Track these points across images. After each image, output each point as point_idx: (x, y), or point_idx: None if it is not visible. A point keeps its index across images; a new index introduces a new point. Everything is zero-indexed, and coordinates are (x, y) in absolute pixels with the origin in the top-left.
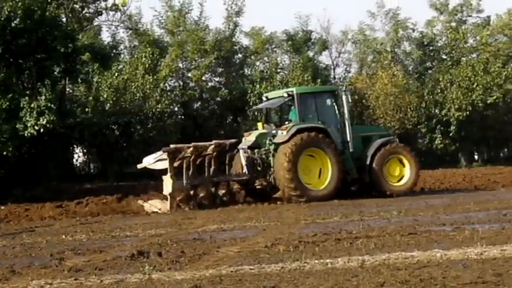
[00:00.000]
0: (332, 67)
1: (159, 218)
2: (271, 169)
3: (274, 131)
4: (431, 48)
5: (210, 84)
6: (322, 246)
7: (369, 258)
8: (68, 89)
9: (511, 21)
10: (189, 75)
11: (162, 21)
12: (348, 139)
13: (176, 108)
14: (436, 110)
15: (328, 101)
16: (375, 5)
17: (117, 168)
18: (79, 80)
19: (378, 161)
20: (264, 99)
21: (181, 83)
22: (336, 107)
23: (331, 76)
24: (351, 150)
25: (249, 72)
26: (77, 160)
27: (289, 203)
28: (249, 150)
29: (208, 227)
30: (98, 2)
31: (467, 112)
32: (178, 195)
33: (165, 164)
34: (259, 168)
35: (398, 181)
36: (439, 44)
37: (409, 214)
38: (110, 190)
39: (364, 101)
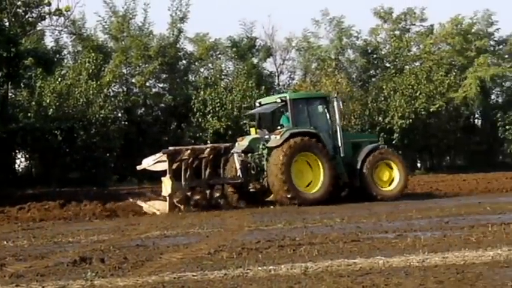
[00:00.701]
0: (276, 74)
1: (101, 224)
2: (265, 173)
3: (267, 136)
4: (375, 56)
5: (154, 90)
6: (266, 253)
7: (312, 265)
8: (10, 94)
9: (454, 30)
10: (133, 81)
11: (106, 26)
12: (339, 144)
13: (120, 114)
14: (380, 118)
15: (320, 107)
16: (319, 12)
17: (59, 173)
18: (22, 84)
19: (367, 166)
20: (257, 104)
21: (125, 89)
22: (327, 113)
23: (276, 83)
24: (342, 155)
25: (193, 79)
26: (19, 165)
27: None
28: (243, 154)
29: (151, 233)
30: (42, 7)
31: (410, 120)
32: (176, 197)
33: (164, 166)
34: (252, 172)
35: (388, 186)
36: (383, 52)
37: (352, 221)
38: (53, 196)
39: None
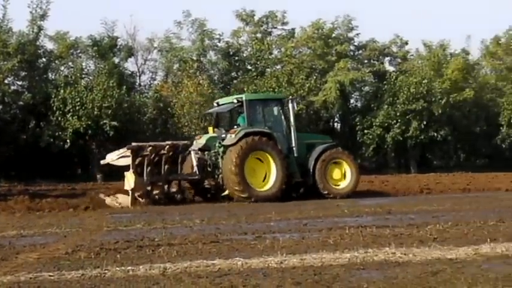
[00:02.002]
0: (138, 74)
1: None
2: (220, 170)
3: (223, 135)
4: (236, 58)
5: (12, 88)
6: (124, 254)
7: (170, 266)
8: None
9: (315, 34)
10: None
11: None
12: (293, 144)
13: None
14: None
15: (276, 109)
16: (181, 14)
17: None
18: None
19: (320, 165)
20: (215, 104)
21: None
22: (282, 114)
23: (137, 83)
24: (295, 155)
25: (53, 77)
26: None
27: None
28: (199, 152)
29: (7, 232)
30: None
31: None
32: (138, 191)
33: (127, 161)
34: (209, 169)
35: (340, 184)
36: (245, 55)
37: (211, 222)
38: None
39: (169, 109)
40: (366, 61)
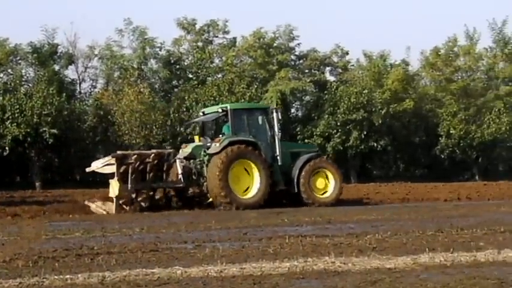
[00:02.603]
0: (78, 82)
1: None
2: (204, 178)
3: (209, 144)
4: (177, 67)
5: None
6: (63, 262)
7: (109, 274)
8: None
9: (256, 43)
10: None
11: None
12: (277, 153)
13: None
14: (181, 128)
15: (260, 118)
16: (123, 21)
17: None
18: None
19: (305, 174)
20: (201, 114)
21: None
22: (266, 124)
23: (77, 91)
24: (279, 163)
25: None
26: None
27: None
28: (185, 160)
29: None
30: None
31: None
32: (123, 198)
33: (112, 169)
34: (193, 177)
35: (324, 193)
36: (186, 63)
37: (151, 231)
38: None
39: (109, 117)
40: (306, 71)
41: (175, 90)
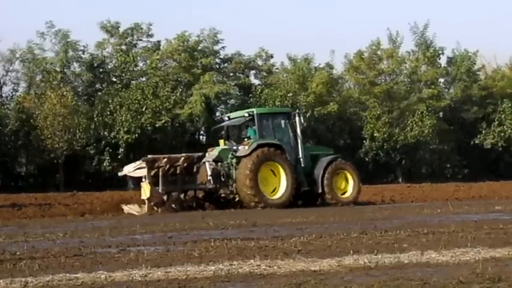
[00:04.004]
0: None
1: None
2: (233, 180)
3: (235, 147)
4: (101, 70)
5: None
6: None
7: (32, 279)
8: None
9: (181, 46)
10: None
11: None
12: (300, 156)
13: None
14: (105, 132)
15: (283, 122)
16: (44, 24)
17: None
18: None
19: (328, 175)
20: (226, 118)
21: None
22: (289, 127)
23: None
24: (302, 165)
25: None
26: None
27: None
28: (213, 163)
29: None
30: None
31: (136, 135)
32: (154, 200)
33: (143, 172)
34: (222, 179)
35: (344, 193)
36: (109, 67)
37: (74, 236)
38: None
39: (32, 121)
40: (231, 74)
41: (99, 93)
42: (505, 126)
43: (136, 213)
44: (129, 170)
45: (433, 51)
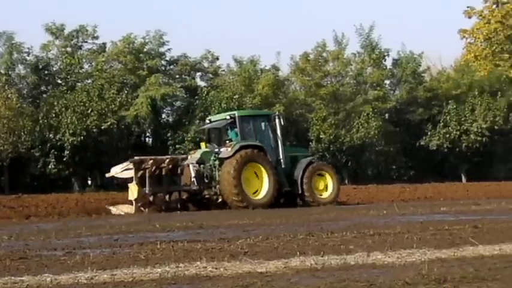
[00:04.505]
0: None
1: None
2: (216, 181)
3: (216, 149)
4: (46, 72)
5: None
6: None
7: None
8: None
9: (126, 48)
10: None
11: None
12: (281, 157)
13: None
14: (51, 135)
15: (263, 124)
16: None
17: None
18: None
19: (307, 176)
20: (207, 121)
21: None
22: (269, 129)
23: None
24: (283, 166)
25: None
26: None
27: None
28: (197, 165)
29: None
30: None
31: (82, 137)
32: (141, 201)
33: (130, 173)
34: (205, 181)
35: (323, 194)
36: (55, 69)
37: (20, 239)
38: None
39: None
40: (177, 76)
41: (44, 95)
42: (450, 128)
43: (122, 214)
44: (117, 171)
45: (378, 53)
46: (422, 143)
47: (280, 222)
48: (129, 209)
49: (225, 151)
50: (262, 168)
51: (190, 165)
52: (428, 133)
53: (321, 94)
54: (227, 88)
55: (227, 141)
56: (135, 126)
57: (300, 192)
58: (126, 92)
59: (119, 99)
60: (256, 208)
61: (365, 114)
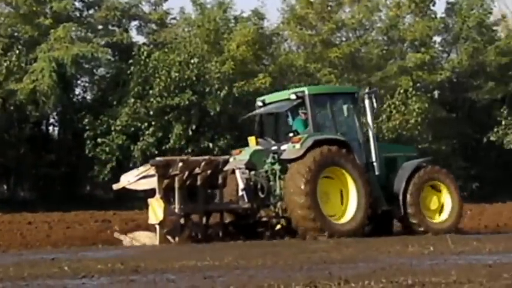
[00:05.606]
0: None
1: None
2: (276, 196)
3: (275, 147)
4: None
5: None
6: None
7: None
8: None
9: None
10: None
11: None
12: (373, 158)
13: None
14: None
15: (345, 107)
16: None
17: None
18: None
19: (412, 190)
20: (260, 104)
21: None
22: (355, 115)
23: None
24: (376, 173)
25: None
26: None
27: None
28: (247, 171)
29: None
30: None
31: None
32: (168, 225)
33: (151, 183)
34: (261, 195)
35: (438, 216)
36: None
37: None
38: None
39: None
40: (100, 27)
41: None
42: None
43: (140, 245)
44: (130, 180)
45: None
46: (492, 138)
47: (263, 264)
48: (149, 237)
49: (290, 149)
50: (348, 176)
51: (238, 172)
52: (503, 122)
53: (331, 58)
54: (181, 47)
55: (291, 134)
56: (32, 107)
57: (402, 213)
58: (17, 52)
59: (5, 64)
60: (342, 237)
61: (402, 91)
